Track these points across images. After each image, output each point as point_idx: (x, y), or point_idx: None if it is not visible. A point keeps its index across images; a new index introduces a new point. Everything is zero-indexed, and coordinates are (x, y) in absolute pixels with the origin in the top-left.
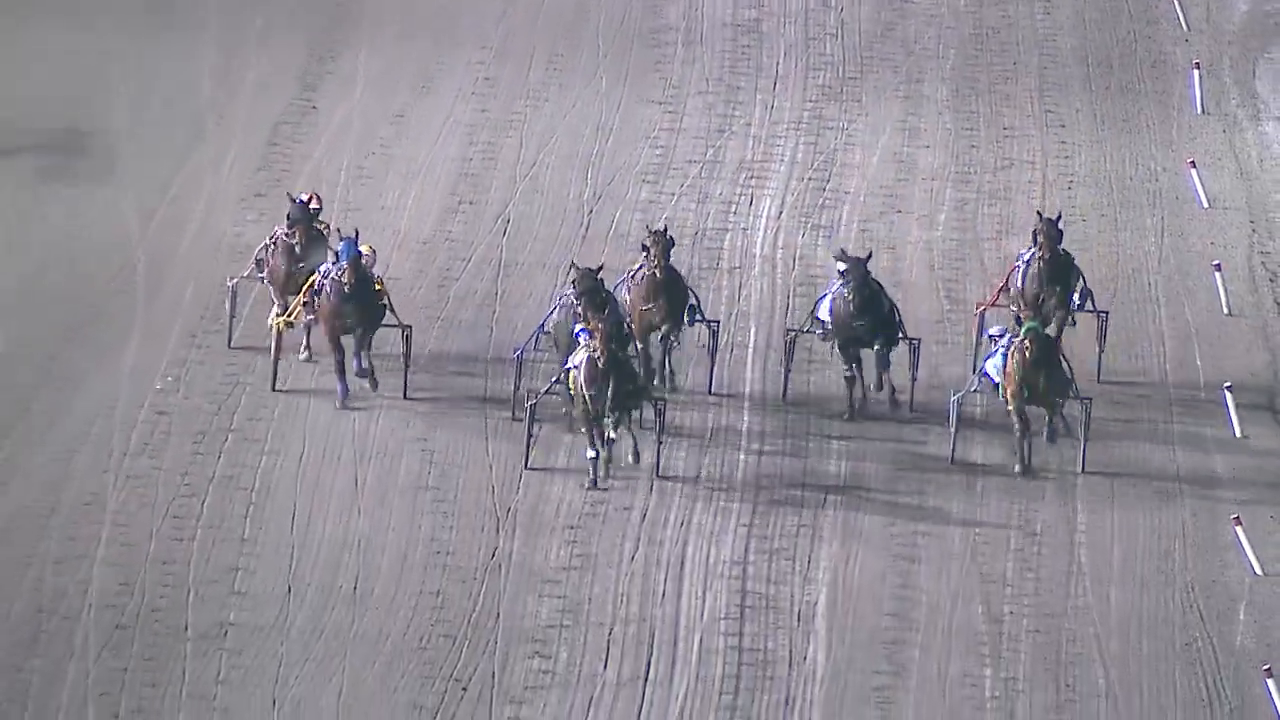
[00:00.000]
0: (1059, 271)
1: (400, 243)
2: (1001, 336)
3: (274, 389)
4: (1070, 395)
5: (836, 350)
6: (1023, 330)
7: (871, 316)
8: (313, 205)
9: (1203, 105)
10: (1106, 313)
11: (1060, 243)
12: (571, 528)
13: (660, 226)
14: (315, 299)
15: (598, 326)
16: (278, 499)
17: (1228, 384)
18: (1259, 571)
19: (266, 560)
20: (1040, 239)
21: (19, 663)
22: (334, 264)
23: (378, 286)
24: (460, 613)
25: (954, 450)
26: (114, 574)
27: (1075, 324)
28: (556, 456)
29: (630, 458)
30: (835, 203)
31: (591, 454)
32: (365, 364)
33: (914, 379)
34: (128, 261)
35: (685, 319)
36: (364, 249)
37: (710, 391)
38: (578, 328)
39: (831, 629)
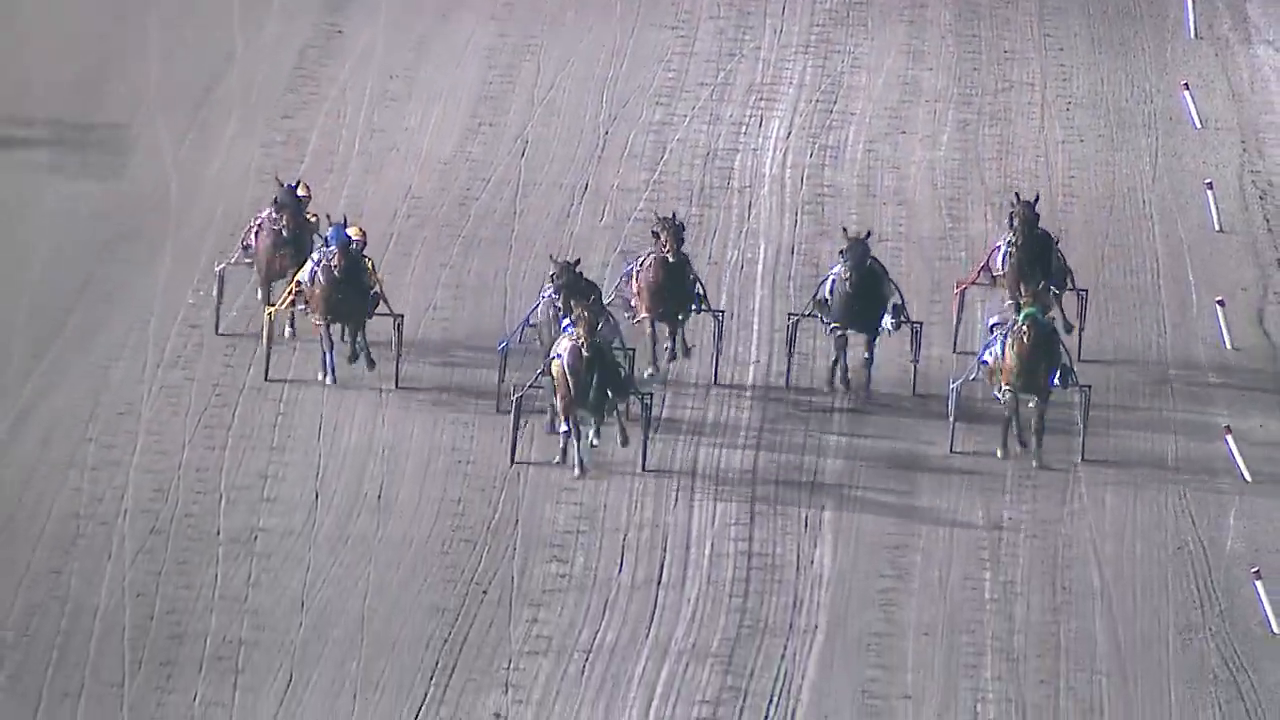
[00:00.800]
0: (1037, 253)
1: (422, 164)
2: (1001, 325)
3: (267, 378)
4: (1069, 384)
5: (833, 329)
6: (1021, 317)
7: (868, 297)
8: (301, 193)
9: (1196, 29)
10: (1086, 290)
11: (1037, 225)
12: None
13: (670, 214)
14: (307, 285)
15: (582, 315)
16: (305, 408)
17: (1219, 298)
18: (1248, 479)
19: (295, 468)
20: (1017, 222)
21: (58, 565)
22: (324, 249)
23: (373, 276)
24: (480, 519)
25: (953, 439)
26: (149, 480)
27: (1060, 301)
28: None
29: (619, 439)
30: (842, 124)
31: (564, 428)
32: (361, 345)
33: (916, 362)
34: (160, 182)
35: (692, 308)
36: (353, 232)
37: (715, 382)
38: (567, 320)
39: (837, 535)
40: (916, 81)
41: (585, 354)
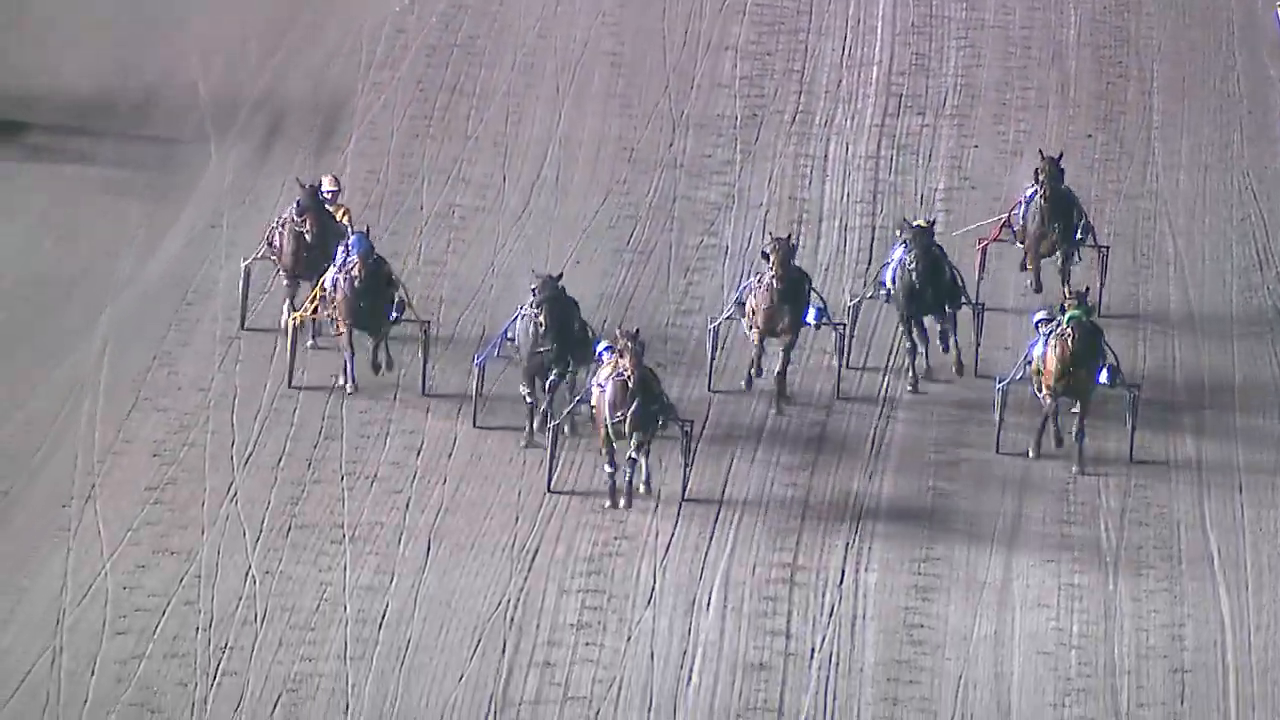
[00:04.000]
0: (1061, 209)
1: None
2: (1047, 323)
3: (290, 385)
4: (1117, 384)
5: (900, 319)
6: (1066, 319)
7: (934, 284)
8: (330, 188)
9: None
10: (1107, 247)
11: (1062, 181)
12: (734, 129)
13: (784, 234)
14: (330, 293)
15: (627, 346)
16: (495, 103)
17: (1278, 4)
18: None
19: (485, 153)
20: (1042, 178)
21: (259, 348)
22: (345, 259)
23: (395, 284)
24: (642, 198)
25: (999, 438)
26: (363, 164)
27: (1080, 259)
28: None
29: (641, 487)
30: None
31: (609, 469)
32: (382, 358)
33: (978, 345)
34: None
35: (810, 324)
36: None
37: (838, 396)
38: (601, 345)
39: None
40: None
41: (630, 386)
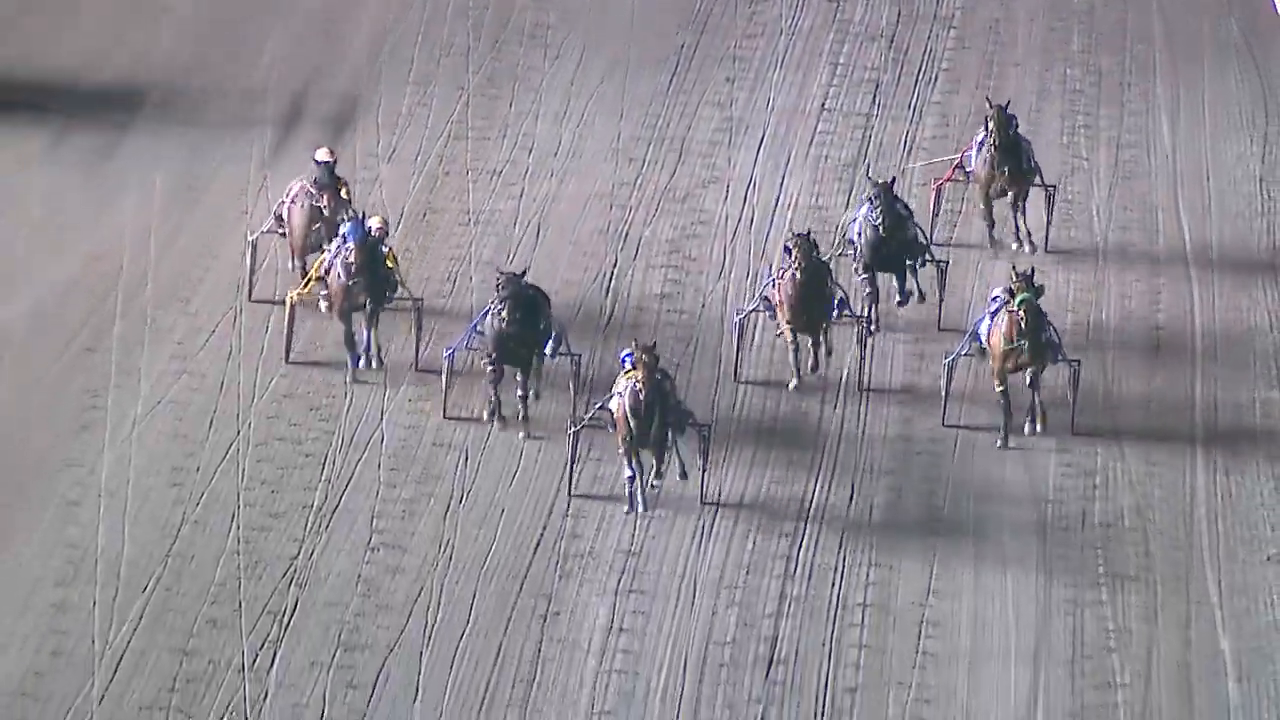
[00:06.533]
0: (1010, 153)
1: None
2: (999, 300)
3: (288, 361)
4: (1057, 360)
5: (861, 272)
6: (1016, 301)
7: (898, 239)
8: (326, 159)
9: None
10: (1055, 186)
11: (1009, 127)
12: None
13: (805, 230)
14: (325, 276)
15: (643, 358)
16: None
17: None
18: None
19: None
20: (991, 125)
21: (402, 51)
22: (342, 243)
23: (389, 263)
24: None
25: (945, 411)
26: None
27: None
28: None
29: (678, 475)
30: None
31: (629, 473)
32: (373, 344)
33: (941, 300)
34: None
35: (833, 316)
36: (375, 222)
37: (861, 389)
38: (624, 353)
39: None
40: None
41: (644, 398)
